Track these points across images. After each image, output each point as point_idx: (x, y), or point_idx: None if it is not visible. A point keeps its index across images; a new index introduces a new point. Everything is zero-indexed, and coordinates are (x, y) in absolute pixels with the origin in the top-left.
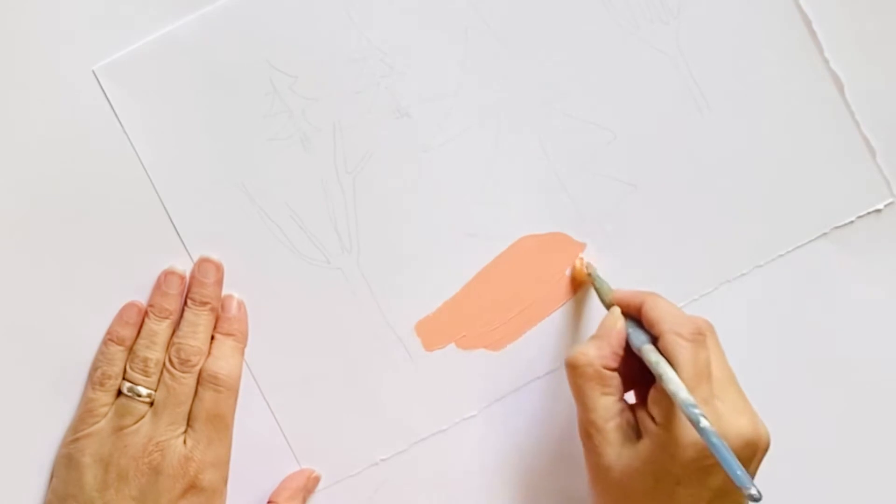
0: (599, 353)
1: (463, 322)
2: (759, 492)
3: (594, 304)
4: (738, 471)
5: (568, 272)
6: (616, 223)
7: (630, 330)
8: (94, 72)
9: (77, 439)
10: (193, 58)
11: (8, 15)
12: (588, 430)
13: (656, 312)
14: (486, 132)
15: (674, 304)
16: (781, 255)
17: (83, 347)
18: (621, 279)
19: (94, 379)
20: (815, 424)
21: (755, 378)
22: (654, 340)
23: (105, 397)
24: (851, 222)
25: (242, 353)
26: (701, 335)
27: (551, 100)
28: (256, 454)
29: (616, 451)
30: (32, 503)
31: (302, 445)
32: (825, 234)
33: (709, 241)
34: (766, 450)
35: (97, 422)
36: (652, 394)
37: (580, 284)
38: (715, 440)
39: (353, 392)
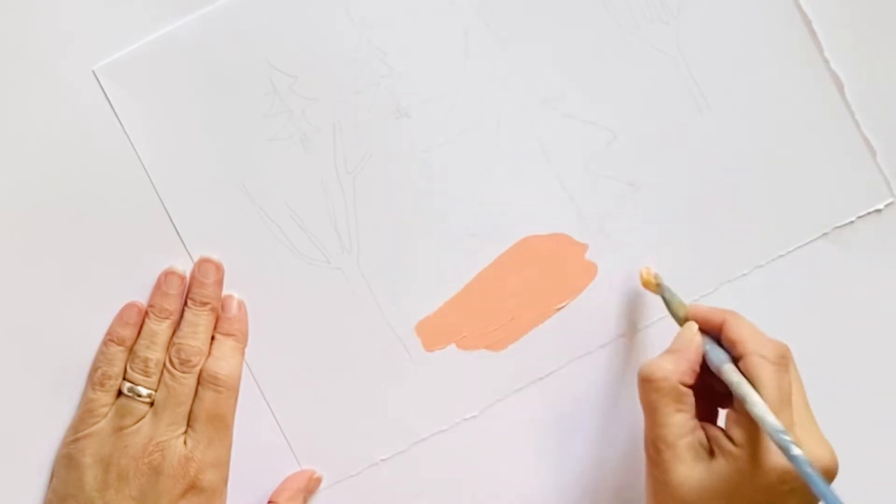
0: (676, 368)
1: (463, 322)
2: None
3: (596, 304)
4: (836, 501)
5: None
6: (616, 223)
7: (708, 347)
8: (94, 72)
9: (77, 439)
10: (193, 58)
11: (8, 15)
12: (658, 446)
13: (739, 332)
14: (486, 132)
15: (755, 324)
16: (781, 255)
17: (83, 347)
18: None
19: (94, 379)
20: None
21: None
22: (734, 360)
23: (105, 397)
24: (852, 222)
25: (243, 354)
26: (785, 360)
27: (551, 100)
28: (256, 454)
29: (687, 470)
30: (32, 503)
31: (302, 445)
32: (825, 234)
33: (709, 242)
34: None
35: (97, 422)
36: (731, 415)
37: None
38: (809, 470)
39: (353, 392)
